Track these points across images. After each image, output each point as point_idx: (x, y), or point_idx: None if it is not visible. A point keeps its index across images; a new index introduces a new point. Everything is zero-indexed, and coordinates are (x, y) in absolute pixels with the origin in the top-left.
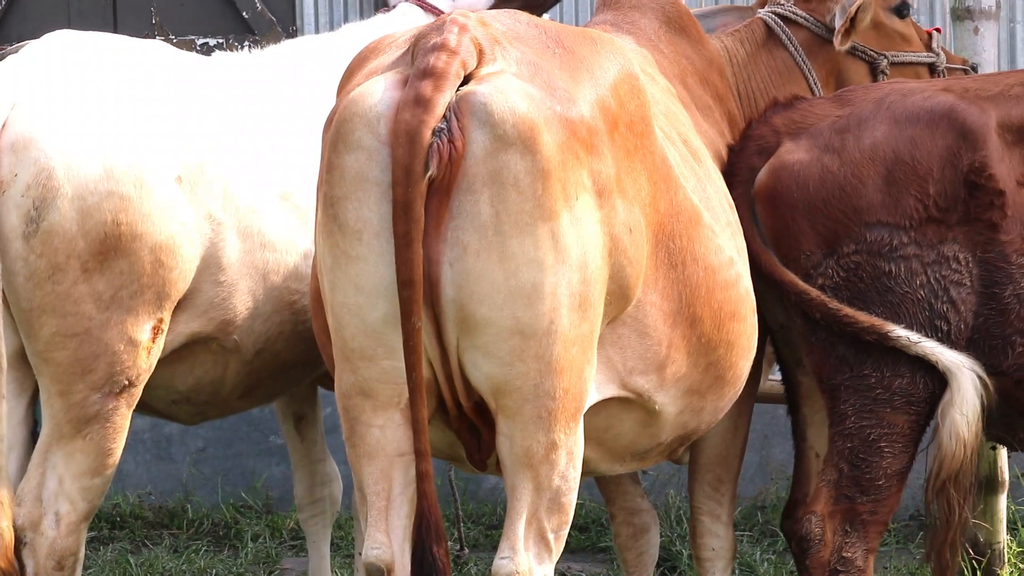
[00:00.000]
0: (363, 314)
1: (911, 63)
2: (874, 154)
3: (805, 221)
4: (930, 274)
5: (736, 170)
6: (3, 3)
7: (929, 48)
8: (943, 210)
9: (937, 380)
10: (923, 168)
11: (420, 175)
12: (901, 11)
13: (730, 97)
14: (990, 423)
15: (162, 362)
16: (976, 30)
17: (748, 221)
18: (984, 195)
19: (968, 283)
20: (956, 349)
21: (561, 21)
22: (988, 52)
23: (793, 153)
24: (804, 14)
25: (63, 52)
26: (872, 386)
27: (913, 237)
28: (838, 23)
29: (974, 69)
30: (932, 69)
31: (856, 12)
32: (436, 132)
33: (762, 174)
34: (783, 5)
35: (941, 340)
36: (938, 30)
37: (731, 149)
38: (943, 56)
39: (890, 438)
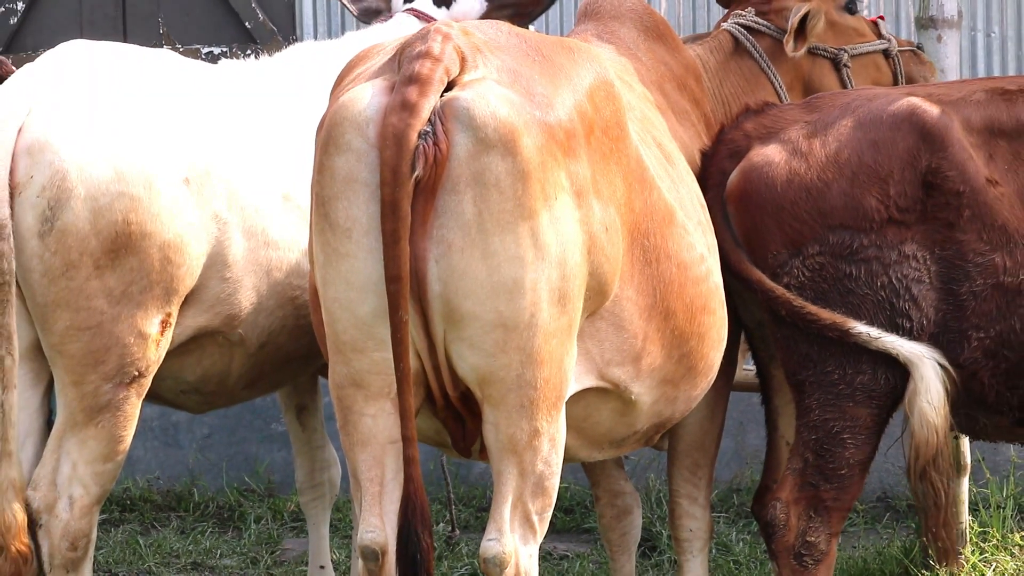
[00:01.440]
0: (353, 308)
1: (868, 52)
2: (838, 157)
3: (773, 221)
4: (891, 274)
5: (709, 173)
6: (19, 14)
7: (880, 36)
8: (903, 210)
9: (898, 375)
10: (884, 170)
11: (407, 176)
12: (851, 8)
13: (706, 101)
14: (951, 413)
15: (171, 354)
16: (939, 38)
17: (720, 222)
18: (941, 195)
19: (927, 280)
20: (918, 343)
21: (546, 31)
22: (951, 59)
23: (763, 156)
24: (766, 23)
25: (77, 60)
26: (835, 382)
27: (874, 240)
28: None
29: (920, 48)
30: (887, 54)
31: (802, 20)
32: (422, 135)
33: (734, 176)
34: (746, 16)
35: (904, 336)
36: (881, 18)
37: (704, 153)
38: (894, 41)
39: (853, 430)
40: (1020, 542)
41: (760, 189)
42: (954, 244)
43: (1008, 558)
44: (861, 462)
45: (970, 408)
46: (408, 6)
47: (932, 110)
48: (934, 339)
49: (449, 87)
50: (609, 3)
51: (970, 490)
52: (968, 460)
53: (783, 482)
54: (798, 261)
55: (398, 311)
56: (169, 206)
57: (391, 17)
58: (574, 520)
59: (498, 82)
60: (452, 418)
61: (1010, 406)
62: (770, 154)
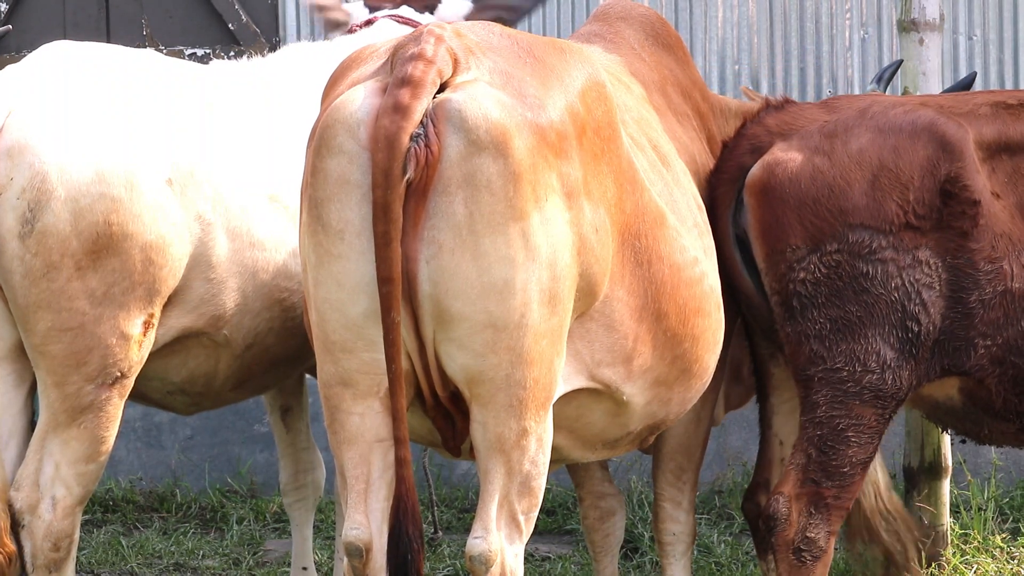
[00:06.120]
0: (344, 309)
1: None
2: (860, 159)
3: (794, 216)
4: (904, 277)
5: (727, 167)
6: (2, 15)
7: None
8: (920, 217)
9: (904, 376)
10: (905, 176)
11: (398, 178)
12: None
13: (711, 119)
14: (958, 419)
15: (156, 355)
16: (921, 41)
17: (726, 216)
18: (957, 204)
19: (937, 287)
20: (923, 348)
21: (544, 32)
22: (932, 62)
23: (787, 151)
24: None
25: (59, 62)
26: (844, 379)
27: (891, 242)
28: None
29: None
30: None
31: None
32: (414, 137)
33: (756, 169)
34: None
35: (911, 339)
36: None
37: (725, 145)
38: None
39: (857, 429)
40: (1001, 544)
41: (784, 184)
42: (966, 253)
43: (989, 560)
44: (863, 461)
45: (976, 415)
46: (390, 12)
47: (950, 122)
48: (939, 345)
49: (442, 89)
50: (621, 6)
51: (951, 492)
52: (950, 462)
53: (785, 477)
54: (816, 257)
55: (390, 312)
56: (151, 207)
57: (355, 29)
58: (556, 522)
59: (490, 84)
60: (442, 417)
61: (1016, 412)
62: (794, 150)
